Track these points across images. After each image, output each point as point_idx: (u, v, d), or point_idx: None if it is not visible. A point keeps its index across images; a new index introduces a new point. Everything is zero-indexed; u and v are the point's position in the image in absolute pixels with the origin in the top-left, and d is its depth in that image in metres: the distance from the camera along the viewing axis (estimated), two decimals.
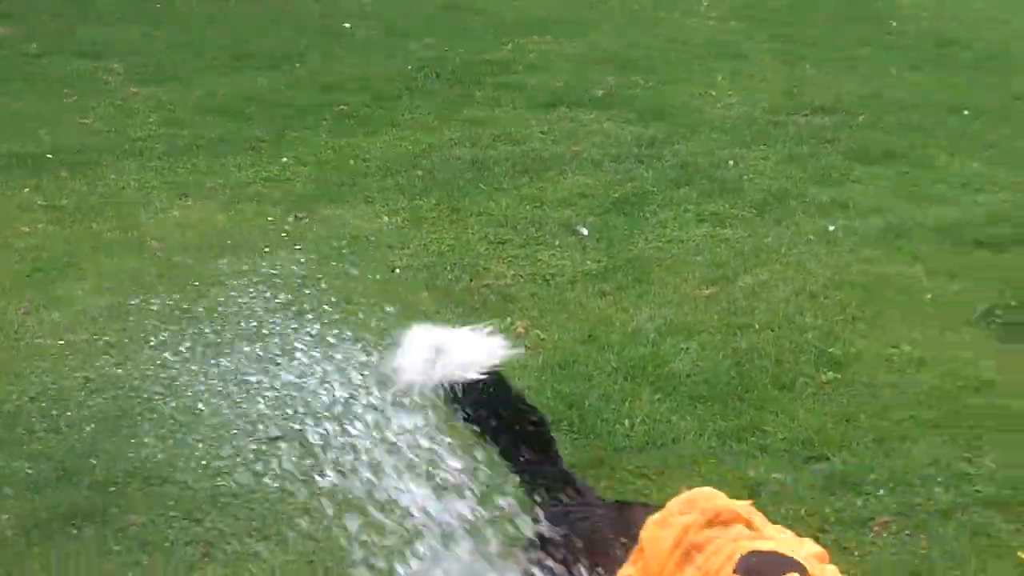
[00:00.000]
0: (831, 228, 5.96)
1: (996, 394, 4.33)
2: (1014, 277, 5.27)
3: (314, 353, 4.77)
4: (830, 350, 4.69)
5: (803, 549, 2.26)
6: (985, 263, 5.45)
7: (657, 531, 2.25)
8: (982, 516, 3.66)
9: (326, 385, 4.54)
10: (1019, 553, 3.46)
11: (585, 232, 6.11)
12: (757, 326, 4.96)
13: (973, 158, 6.92)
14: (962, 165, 6.82)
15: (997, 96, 8.08)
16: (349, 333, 4.96)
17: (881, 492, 3.81)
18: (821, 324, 4.93)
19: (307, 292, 5.45)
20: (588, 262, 5.77)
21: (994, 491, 3.77)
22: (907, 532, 3.65)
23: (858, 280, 5.34)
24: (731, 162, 7.03)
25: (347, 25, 10.96)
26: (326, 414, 4.31)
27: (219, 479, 4.10)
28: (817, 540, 3.52)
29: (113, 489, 4.05)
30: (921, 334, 4.81)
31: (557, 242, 6.02)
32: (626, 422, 4.31)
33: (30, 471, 4.17)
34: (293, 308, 5.27)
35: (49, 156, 7.53)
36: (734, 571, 2.10)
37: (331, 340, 4.88)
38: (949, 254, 5.57)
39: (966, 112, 7.74)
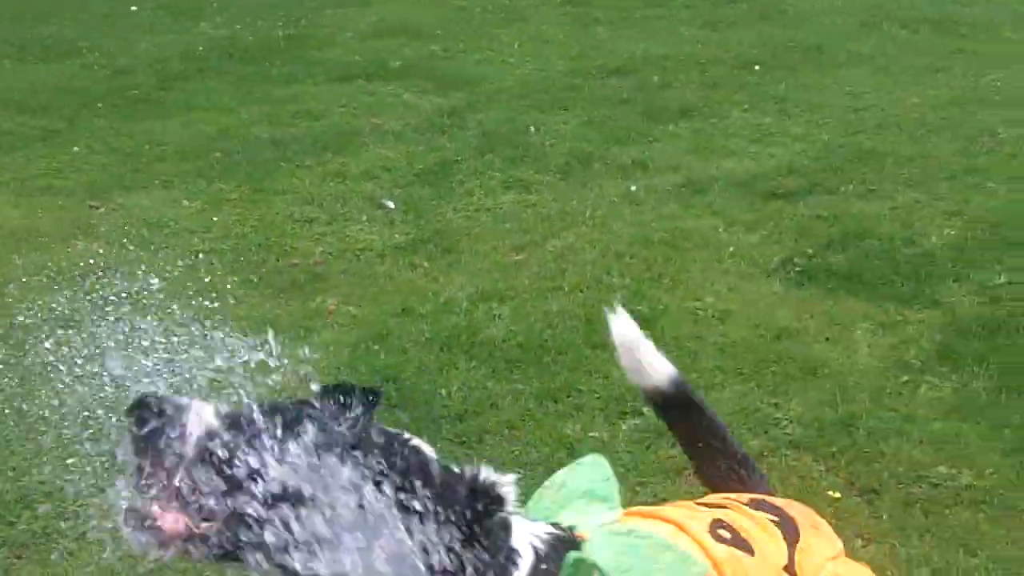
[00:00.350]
0: (633, 188, 6.09)
1: (797, 340, 4.50)
2: (808, 226, 5.48)
3: (117, 344, 4.64)
4: (638, 308, 4.78)
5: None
6: (780, 214, 5.64)
7: None
8: (792, 458, 3.80)
9: (131, 377, 4.44)
10: (829, 492, 3.61)
11: (392, 205, 6.09)
12: (567, 288, 5.05)
13: (765, 112, 7.17)
14: (755, 119, 7.05)
15: (784, 51, 8.39)
16: (153, 322, 4.85)
17: None
18: (628, 283, 5.05)
19: (107, 283, 5.28)
20: (397, 235, 5.77)
21: (802, 433, 3.92)
22: None
23: (661, 238, 5.48)
24: (532, 128, 7.11)
25: (134, 8, 10.61)
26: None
27: (29, 479, 3.96)
28: (636, 493, 3.66)
29: None
30: (724, 286, 4.98)
31: (364, 217, 5.99)
32: (443, 391, 4.33)
33: None
34: (92, 299, 5.10)
35: None
36: None
37: (135, 330, 4.76)
38: (746, 207, 5.76)
39: (757, 67, 8.00)
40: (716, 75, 7.96)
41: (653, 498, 3.68)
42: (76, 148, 7.10)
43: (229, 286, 5.18)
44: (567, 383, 4.32)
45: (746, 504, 2.14)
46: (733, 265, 5.17)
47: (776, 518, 2.10)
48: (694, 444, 2.49)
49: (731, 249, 5.30)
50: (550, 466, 3.83)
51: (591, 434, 4.02)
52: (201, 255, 5.56)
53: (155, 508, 1.69)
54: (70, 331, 4.65)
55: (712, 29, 9.18)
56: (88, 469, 3.95)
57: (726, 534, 2.03)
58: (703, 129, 6.96)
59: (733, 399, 4.13)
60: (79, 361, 4.27)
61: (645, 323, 4.64)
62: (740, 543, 2.01)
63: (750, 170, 6.24)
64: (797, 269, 5.07)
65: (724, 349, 4.47)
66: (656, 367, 2.52)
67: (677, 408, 2.52)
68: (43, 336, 4.64)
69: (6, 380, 4.52)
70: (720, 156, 6.52)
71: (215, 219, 5.97)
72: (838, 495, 3.60)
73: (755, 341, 4.51)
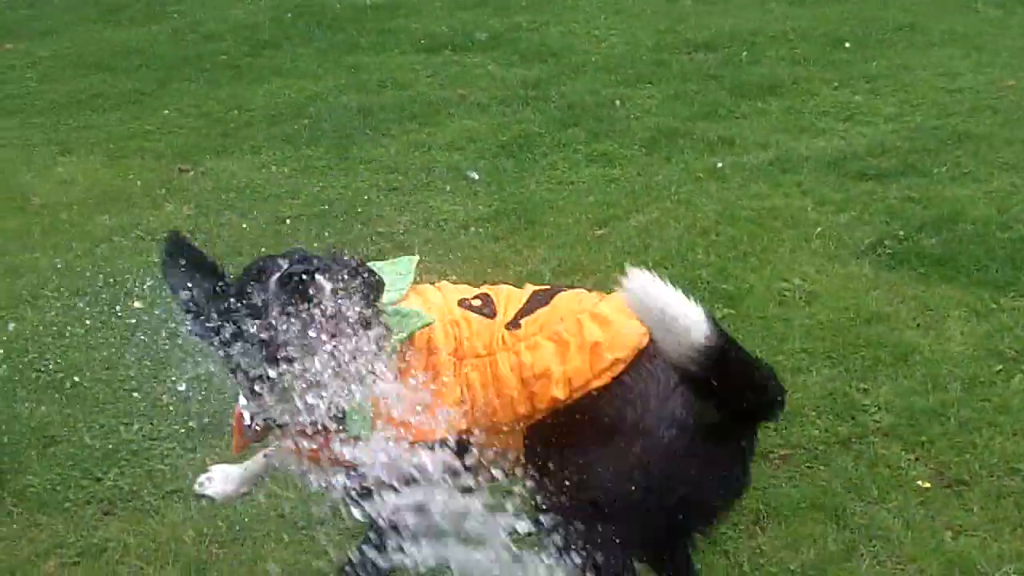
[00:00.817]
0: (719, 164, 6.01)
1: (887, 325, 4.40)
2: (899, 208, 5.37)
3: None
4: (723, 286, 4.74)
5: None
6: (870, 194, 5.53)
7: None
8: (880, 446, 3.72)
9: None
10: (919, 482, 3.55)
11: (476, 177, 6.08)
12: (650, 264, 4.97)
13: (855, 90, 7.03)
14: (845, 97, 6.92)
15: (876, 27, 8.21)
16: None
17: (779, 425, 3.86)
18: (714, 261, 4.98)
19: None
20: (480, 206, 5.76)
21: (891, 421, 3.84)
22: (807, 464, 3.70)
23: (748, 215, 5.40)
24: (617, 102, 7.05)
25: None
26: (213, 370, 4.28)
27: (116, 436, 4.04)
28: None
29: (9, 450, 3.95)
30: (811, 267, 4.89)
31: (448, 187, 5.99)
32: None
33: None
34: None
35: None
36: None
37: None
38: (835, 187, 5.65)
39: (847, 44, 7.85)
40: (805, 51, 7.82)
41: None
42: (166, 112, 7.20)
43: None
44: None
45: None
46: (822, 246, 5.08)
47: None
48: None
49: (819, 229, 5.21)
50: None
51: None
52: (288, 220, 5.62)
53: None
54: (158, 292, 4.74)
55: (801, 5, 9.02)
56: (174, 427, 4.03)
57: (477, 303, 2.80)
58: (792, 106, 6.84)
59: (820, 383, 4.07)
60: (167, 322, 4.36)
61: (730, 301, 4.63)
62: (487, 311, 2.76)
63: (840, 149, 6.12)
64: (888, 252, 4.97)
65: (811, 331, 4.40)
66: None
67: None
68: (132, 296, 4.76)
69: (96, 338, 4.62)
70: (809, 134, 6.41)
71: (302, 185, 6.02)
72: (927, 485, 3.52)
73: (844, 324, 4.43)
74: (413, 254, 5.16)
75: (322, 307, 2.57)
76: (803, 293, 4.70)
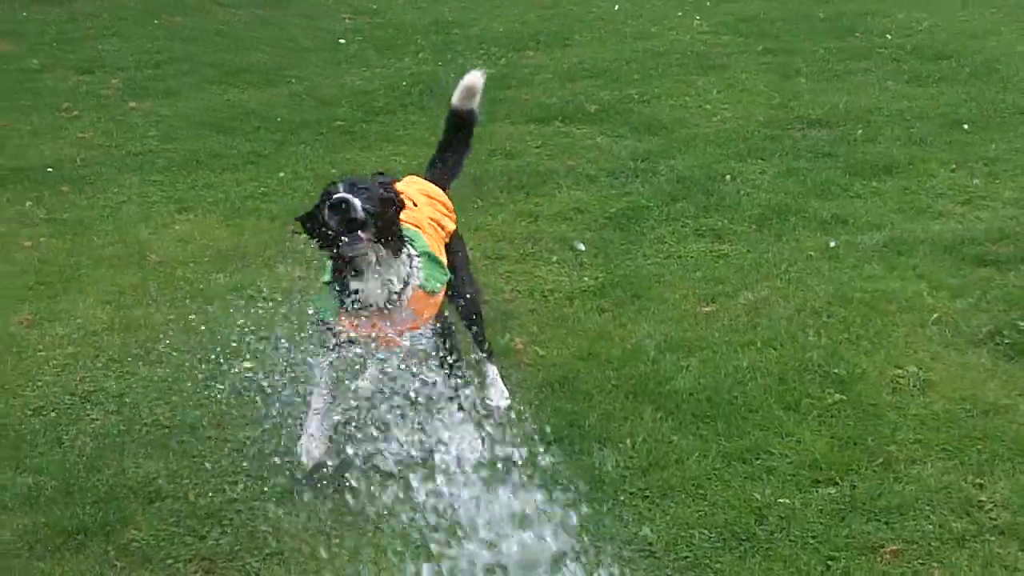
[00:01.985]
0: (832, 244, 5.93)
1: (1005, 418, 4.27)
2: (1019, 297, 5.21)
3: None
4: (835, 370, 4.65)
5: (415, 187, 4.52)
6: (988, 281, 5.39)
7: None
8: (997, 545, 3.60)
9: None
10: None
11: (582, 247, 6.08)
12: (759, 344, 4.93)
13: (973, 173, 6.90)
14: (963, 180, 6.79)
15: (995, 109, 8.07)
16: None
17: (891, 518, 3.77)
18: (825, 343, 4.90)
19: (305, 306, 5.42)
20: (586, 278, 5.75)
21: (1009, 519, 3.71)
22: (919, 561, 3.60)
23: (861, 297, 5.30)
24: (728, 176, 7.02)
25: (341, 41, 10.96)
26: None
27: (221, 495, 4.08)
28: (827, 568, 3.53)
29: (115, 504, 4.02)
30: (927, 354, 4.78)
31: (554, 258, 6.00)
32: (627, 441, 4.28)
33: (32, 485, 4.14)
34: (292, 321, 5.24)
35: (50, 170, 7.53)
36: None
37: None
38: (952, 271, 5.53)
39: (965, 126, 7.72)
40: (922, 132, 7.71)
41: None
42: (282, 174, 7.35)
43: None
44: (757, 444, 4.21)
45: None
46: (937, 332, 4.96)
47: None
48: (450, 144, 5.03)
49: (936, 315, 5.09)
50: (736, 531, 3.76)
51: (781, 500, 3.90)
52: None
53: None
54: (268, 351, 4.81)
55: (919, 84, 8.91)
56: (277, 489, 4.05)
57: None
58: (908, 187, 6.73)
59: (934, 476, 3.95)
60: (277, 381, 4.41)
61: (841, 386, 4.54)
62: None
63: (957, 233, 6.00)
64: (1007, 341, 4.83)
65: (925, 421, 4.29)
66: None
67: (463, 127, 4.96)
68: (242, 355, 4.83)
69: (206, 395, 4.69)
70: (926, 216, 6.30)
71: None
72: None
73: (959, 415, 4.31)
74: (516, 323, 5.25)
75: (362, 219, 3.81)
76: (918, 381, 4.59)
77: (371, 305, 3.93)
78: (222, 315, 5.34)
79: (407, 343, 3.99)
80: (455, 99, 4.95)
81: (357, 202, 3.78)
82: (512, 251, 6.10)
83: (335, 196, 3.80)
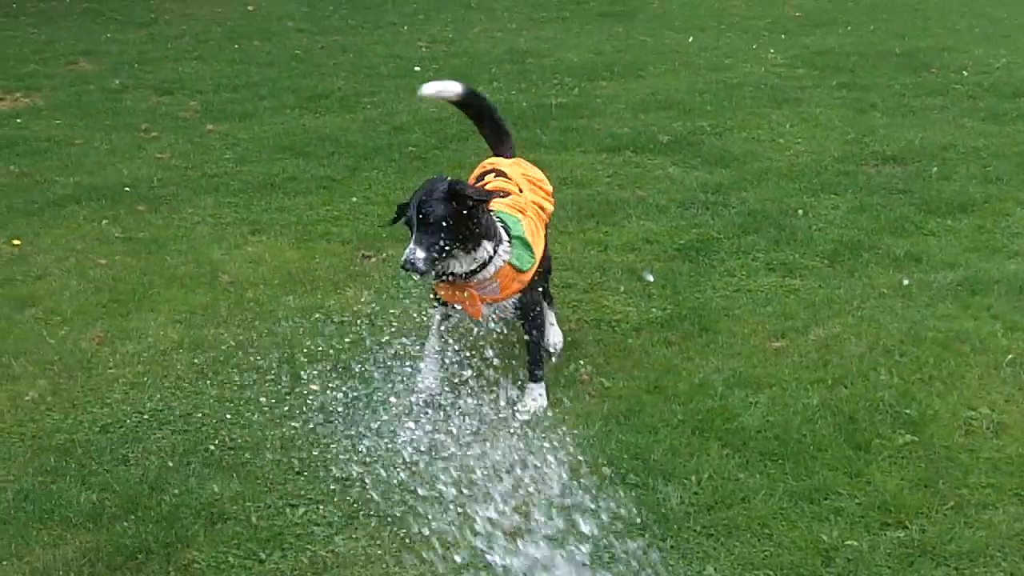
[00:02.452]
0: (905, 282, 5.84)
1: None
2: None
3: (380, 393, 4.78)
4: (906, 411, 4.56)
5: (519, 170, 5.22)
6: None
7: None
8: None
9: (395, 423, 4.55)
10: None
11: (651, 278, 6.04)
12: (829, 382, 4.86)
13: None
14: None
15: None
16: (412, 373, 4.97)
17: (961, 564, 3.69)
18: (897, 383, 4.81)
19: (373, 330, 5.45)
20: (653, 309, 5.71)
21: None
22: None
23: (934, 337, 5.21)
24: (800, 211, 6.95)
25: (416, 69, 11.06)
26: (393, 456, 4.32)
27: (283, 518, 4.09)
28: None
29: (177, 524, 4.05)
30: (1001, 396, 4.68)
31: (622, 288, 5.97)
32: (693, 478, 4.23)
33: (96, 502, 4.19)
34: (361, 345, 5.27)
35: (127, 189, 7.67)
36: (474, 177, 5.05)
37: (397, 377, 4.89)
38: None
39: None
40: (999, 170, 7.58)
41: None
42: (354, 198, 7.41)
43: (489, 345, 5.26)
44: (825, 484, 4.14)
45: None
46: (1012, 374, 4.86)
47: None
48: (485, 127, 5.48)
49: (1011, 356, 4.99)
50: (801, 572, 3.70)
51: (848, 542, 3.83)
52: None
53: None
54: (335, 375, 4.83)
55: (995, 122, 8.77)
56: (338, 514, 4.06)
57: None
58: (983, 226, 6.62)
59: (1007, 522, 3.85)
60: (344, 405, 4.43)
61: (913, 427, 4.46)
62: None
63: None
64: None
65: (998, 466, 4.19)
66: (450, 89, 5.30)
67: (470, 105, 5.40)
68: (311, 376, 4.87)
69: (271, 417, 4.72)
70: (1002, 256, 6.18)
71: None
72: None
73: None
74: (582, 353, 5.23)
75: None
76: (991, 423, 4.49)
77: (453, 276, 4.56)
78: (291, 337, 5.39)
79: (488, 311, 4.67)
80: (443, 98, 5.39)
81: (420, 263, 4.40)
82: (580, 280, 6.09)
83: (402, 262, 4.47)
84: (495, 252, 4.56)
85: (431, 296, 4.91)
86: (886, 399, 4.67)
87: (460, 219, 4.42)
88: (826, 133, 8.60)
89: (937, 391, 4.74)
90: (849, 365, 4.99)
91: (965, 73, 10.24)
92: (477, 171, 5.16)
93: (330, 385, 4.88)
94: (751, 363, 5.09)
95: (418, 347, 4.92)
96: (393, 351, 5.02)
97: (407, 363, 4.90)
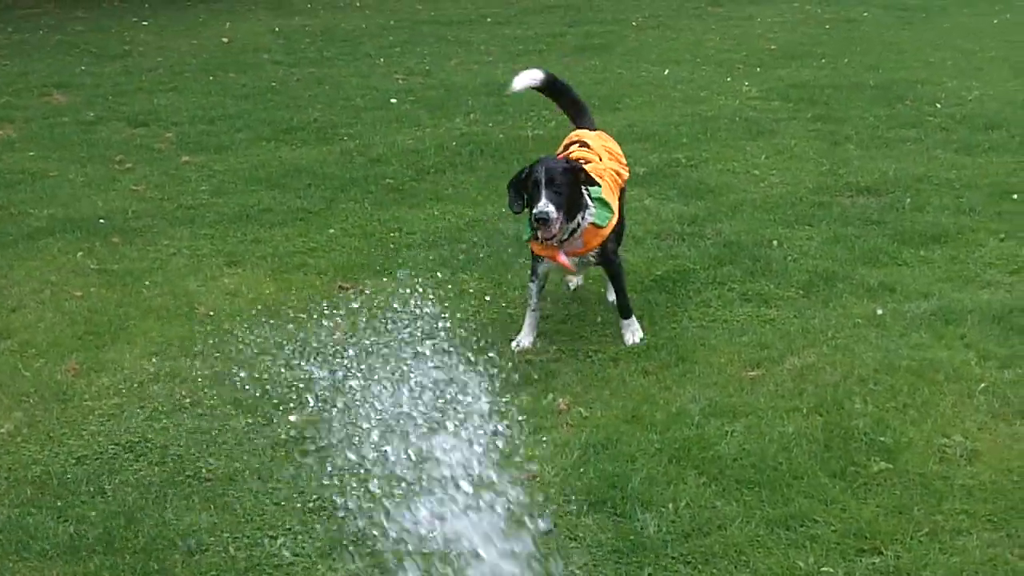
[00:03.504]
0: (879, 311, 5.89)
1: None
2: None
3: (363, 425, 4.78)
4: (881, 438, 4.60)
5: (599, 142, 6.16)
6: None
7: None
8: None
9: (375, 457, 4.54)
10: None
11: None
12: (805, 410, 4.90)
13: (1023, 243, 6.84)
14: (1012, 250, 6.72)
15: None
16: (389, 403, 4.97)
17: None
18: (872, 411, 4.85)
19: (350, 362, 5.45)
20: None
21: None
22: None
23: (908, 366, 5.25)
24: (775, 242, 7.00)
25: (393, 101, 11.10)
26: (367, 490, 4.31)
27: (260, 549, 4.08)
28: None
29: (156, 556, 4.03)
30: (974, 424, 4.72)
31: (599, 318, 6.00)
32: (670, 506, 4.25)
33: (73, 535, 4.17)
34: (336, 376, 5.27)
35: (102, 221, 7.66)
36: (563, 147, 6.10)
37: (377, 409, 4.89)
38: (1000, 341, 5.47)
39: (1015, 196, 7.66)
40: (972, 201, 7.66)
41: None
42: (331, 230, 7.42)
43: (465, 377, 5.27)
44: (801, 511, 4.16)
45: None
46: (985, 402, 4.90)
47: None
48: (565, 104, 6.57)
49: (983, 385, 5.03)
50: None
51: (824, 568, 3.85)
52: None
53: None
54: (313, 408, 4.83)
55: (968, 153, 8.86)
56: (317, 546, 4.05)
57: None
58: (956, 256, 6.68)
59: (979, 548, 3.88)
60: (322, 439, 4.42)
61: (887, 455, 4.49)
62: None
63: (1006, 303, 5.93)
64: None
65: (972, 492, 4.22)
66: (534, 76, 6.50)
67: (551, 88, 6.49)
68: (288, 409, 4.86)
69: (249, 448, 4.71)
70: (975, 286, 6.24)
71: (455, 309, 6.10)
72: None
73: (1007, 487, 4.24)
74: (560, 383, 5.25)
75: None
76: (965, 451, 4.53)
77: (552, 238, 5.43)
78: (269, 368, 5.39)
79: (574, 264, 5.62)
80: (531, 86, 6.53)
81: (553, 213, 5.31)
82: (557, 311, 6.12)
83: (538, 212, 5.34)
84: (583, 219, 5.50)
85: (531, 254, 5.78)
86: (861, 427, 4.70)
87: (574, 186, 5.42)
88: (801, 165, 8.68)
89: (911, 419, 4.78)
90: (824, 394, 5.02)
91: (938, 105, 10.36)
92: (566, 141, 6.13)
93: (310, 418, 4.87)
94: (727, 392, 5.12)
95: (397, 375, 4.93)
96: (371, 381, 5.02)
97: (385, 392, 4.89)
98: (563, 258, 5.53)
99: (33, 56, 13.94)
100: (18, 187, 8.54)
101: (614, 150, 6.13)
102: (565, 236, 5.49)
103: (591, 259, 5.70)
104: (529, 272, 5.86)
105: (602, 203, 5.57)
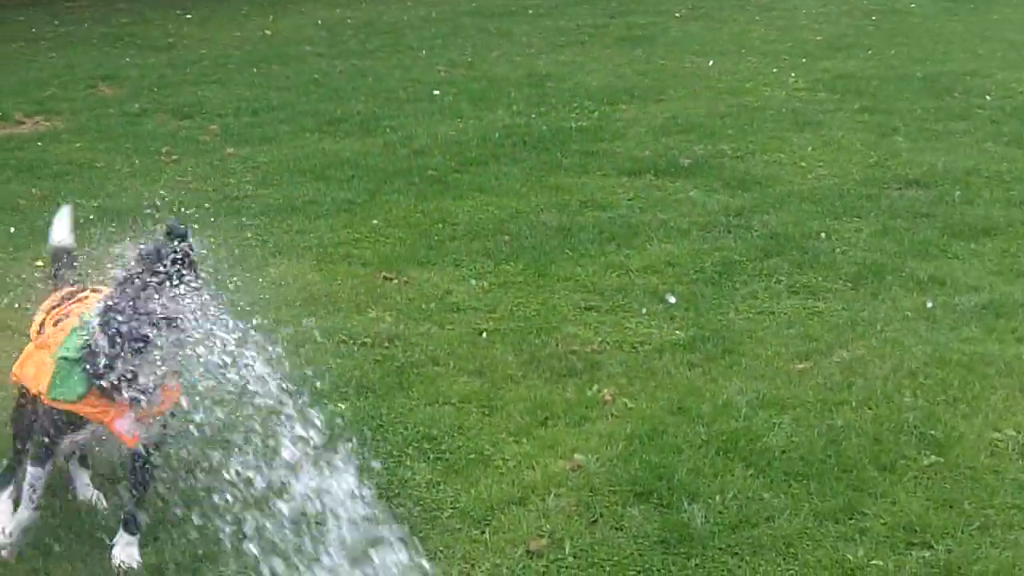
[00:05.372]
0: (929, 304, 5.81)
1: None
2: None
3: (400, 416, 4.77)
4: (931, 432, 4.54)
5: None
6: None
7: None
8: None
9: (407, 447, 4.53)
10: None
11: (673, 300, 6.03)
12: (854, 403, 4.84)
13: None
14: None
15: None
16: (434, 395, 4.97)
17: None
18: (921, 404, 4.78)
19: (395, 352, 5.45)
20: (676, 331, 5.70)
21: None
22: None
23: (959, 359, 5.18)
24: (823, 234, 6.93)
25: (436, 92, 11.10)
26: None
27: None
28: None
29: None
30: None
31: (644, 310, 5.96)
32: (717, 497, 4.21)
33: None
34: (384, 367, 5.28)
35: (148, 212, 7.68)
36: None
37: (419, 404, 4.88)
38: None
39: None
40: (1022, 194, 7.55)
41: None
42: (375, 221, 7.42)
43: (509, 368, 5.26)
44: (850, 504, 4.11)
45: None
46: None
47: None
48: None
49: None
50: None
51: (874, 562, 3.80)
52: (484, 334, 5.67)
53: None
54: (359, 399, 4.82)
55: (1018, 146, 8.74)
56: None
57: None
58: (1007, 250, 6.59)
59: None
60: (367, 429, 4.40)
61: (938, 449, 4.43)
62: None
63: None
64: None
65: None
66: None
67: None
68: (335, 400, 4.85)
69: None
70: None
71: (500, 300, 6.09)
72: None
73: None
74: (604, 374, 5.21)
75: None
76: (1017, 445, 4.46)
77: None
78: (313, 357, 5.39)
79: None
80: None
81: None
82: (602, 303, 6.08)
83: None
84: None
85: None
86: (911, 420, 4.64)
87: None
88: (848, 156, 8.59)
89: (962, 413, 4.71)
90: (873, 387, 4.96)
91: (988, 97, 10.22)
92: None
93: (356, 405, 4.87)
94: (775, 385, 5.07)
95: (435, 371, 4.91)
96: (418, 374, 5.02)
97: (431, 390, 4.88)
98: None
99: (79, 48, 14.08)
100: (66, 178, 8.61)
101: None
102: None
103: None
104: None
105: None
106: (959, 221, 7.04)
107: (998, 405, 4.77)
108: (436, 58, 12.94)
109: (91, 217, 7.60)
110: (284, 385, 3.73)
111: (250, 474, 3.67)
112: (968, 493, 4.16)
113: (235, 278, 6.47)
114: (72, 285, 4.20)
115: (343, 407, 4.86)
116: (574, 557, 3.91)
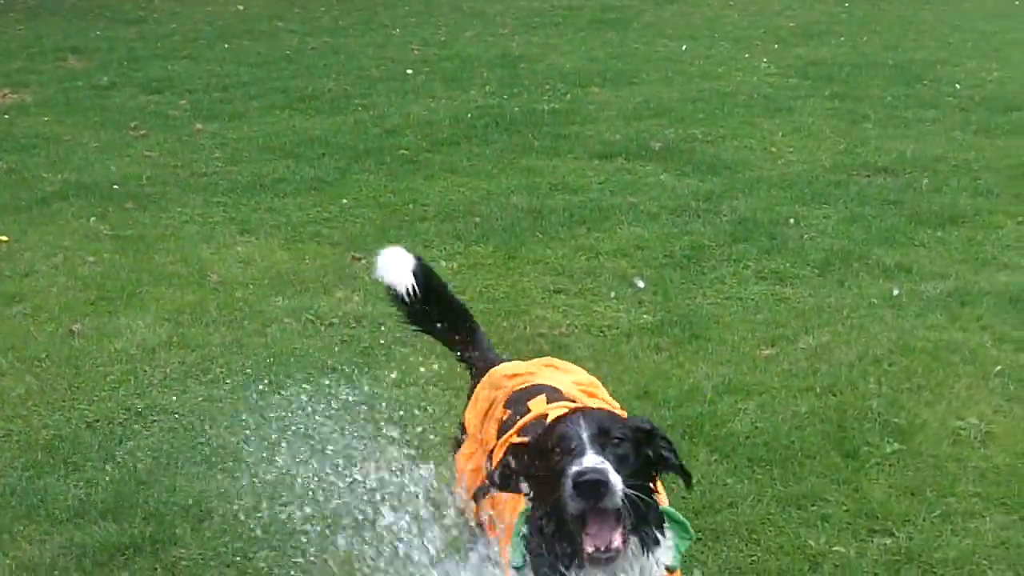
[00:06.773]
0: (895, 292, 5.85)
1: None
2: None
3: (363, 393, 4.76)
4: (895, 419, 4.57)
5: (566, 377, 3.38)
6: None
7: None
8: None
9: (375, 429, 4.52)
10: None
11: (641, 285, 6.04)
12: (819, 390, 4.86)
13: None
14: None
15: None
16: (398, 375, 4.95)
17: (947, 571, 3.69)
18: (886, 392, 4.81)
19: (362, 333, 5.43)
20: (644, 315, 5.71)
21: None
22: None
23: (923, 347, 5.22)
24: (791, 220, 6.95)
25: (408, 71, 11.05)
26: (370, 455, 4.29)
27: (270, 517, 4.06)
28: None
29: (164, 522, 4.02)
30: (988, 407, 4.69)
31: (613, 294, 5.96)
32: (681, 483, 4.22)
33: (83, 499, 4.16)
34: (351, 348, 5.26)
35: (116, 187, 7.64)
36: (504, 406, 3.16)
37: (381, 381, 4.87)
38: (1016, 324, 5.43)
39: None
40: (989, 183, 7.60)
41: None
42: (344, 200, 7.39)
43: None
44: (813, 490, 4.14)
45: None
46: (1000, 385, 4.87)
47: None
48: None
49: (999, 367, 4.99)
50: None
51: (836, 548, 3.82)
52: None
53: None
54: (324, 378, 4.80)
55: (986, 135, 8.80)
56: (326, 515, 4.03)
57: None
58: (973, 238, 6.63)
59: (993, 531, 3.86)
60: (330, 406, 4.40)
61: (901, 436, 4.46)
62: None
63: (1023, 285, 5.89)
64: None
65: (986, 475, 4.19)
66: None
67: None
68: (300, 379, 4.83)
69: (260, 417, 4.69)
70: (992, 268, 6.19)
71: (469, 281, 6.07)
72: None
73: (1020, 469, 4.21)
74: (572, 357, 5.20)
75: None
76: (979, 433, 4.50)
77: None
78: (279, 337, 5.37)
79: None
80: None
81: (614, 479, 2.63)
82: (571, 285, 6.08)
83: (586, 469, 2.61)
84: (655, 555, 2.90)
85: None
86: (875, 407, 4.67)
87: (645, 467, 3.07)
88: (818, 143, 8.62)
89: (926, 400, 4.74)
90: (838, 373, 4.99)
91: (957, 86, 10.27)
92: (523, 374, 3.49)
93: (319, 387, 4.85)
94: (740, 370, 5.08)
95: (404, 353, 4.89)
96: (385, 355, 5.01)
97: (396, 367, 4.88)
98: None
99: (48, 20, 13.93)
100: (32, 151, 8.53)
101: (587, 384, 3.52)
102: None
103: None
104: None
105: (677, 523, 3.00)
106: (926, 209, 7.08)
107: (961, 393, 4.80)
108: (410, 36, 12.88)
109: (57, 191, 7.55)
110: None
111: None
112: (930, 481, 4.19)
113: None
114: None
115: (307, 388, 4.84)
116: None
